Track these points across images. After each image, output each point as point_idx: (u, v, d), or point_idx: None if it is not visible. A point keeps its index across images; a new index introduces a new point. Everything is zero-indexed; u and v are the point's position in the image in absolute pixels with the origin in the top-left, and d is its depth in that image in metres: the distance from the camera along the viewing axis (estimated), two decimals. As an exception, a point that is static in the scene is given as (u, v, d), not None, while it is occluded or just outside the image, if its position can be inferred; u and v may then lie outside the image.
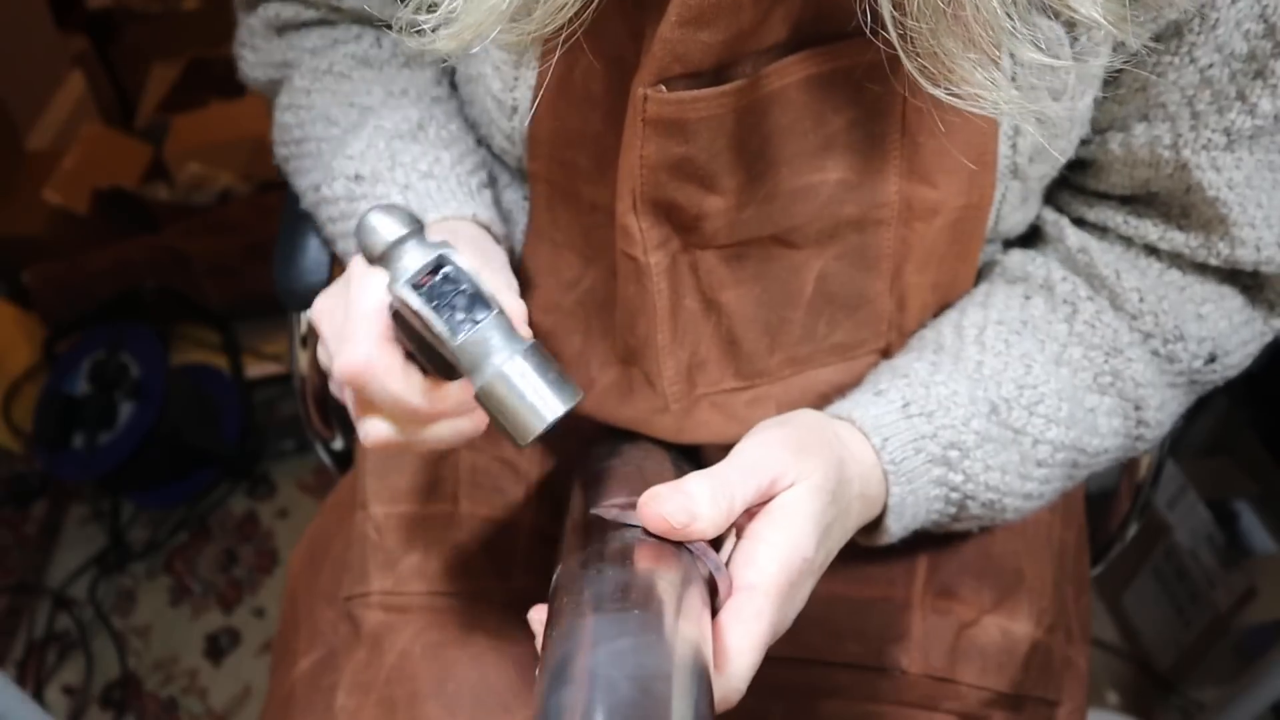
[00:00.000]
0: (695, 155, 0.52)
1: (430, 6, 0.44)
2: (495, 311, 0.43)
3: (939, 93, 0.42)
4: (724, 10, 0.46)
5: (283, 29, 0.69)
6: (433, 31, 0.44)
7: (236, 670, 1.50)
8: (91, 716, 1.47)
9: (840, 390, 0.62)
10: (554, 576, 0.46)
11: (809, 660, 0.65)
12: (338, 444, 0.91)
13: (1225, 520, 1.36)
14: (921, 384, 0.57)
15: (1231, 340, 0.60)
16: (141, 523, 1.68)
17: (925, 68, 0.41)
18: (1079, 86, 0.53)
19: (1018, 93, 0.42)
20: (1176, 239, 0.58)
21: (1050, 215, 0.64)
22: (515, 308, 0.48)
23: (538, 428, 0.43)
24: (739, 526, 0.48)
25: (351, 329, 0.46)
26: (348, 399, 0.49)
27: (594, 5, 0.43)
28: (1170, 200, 0.58)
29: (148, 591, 1.60)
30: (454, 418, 0.48)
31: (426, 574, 0.67)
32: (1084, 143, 0.59)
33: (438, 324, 0.43)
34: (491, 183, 0.66)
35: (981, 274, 0.65)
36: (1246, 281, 0.60)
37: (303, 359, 0.85)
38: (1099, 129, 0.58)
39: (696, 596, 0.42)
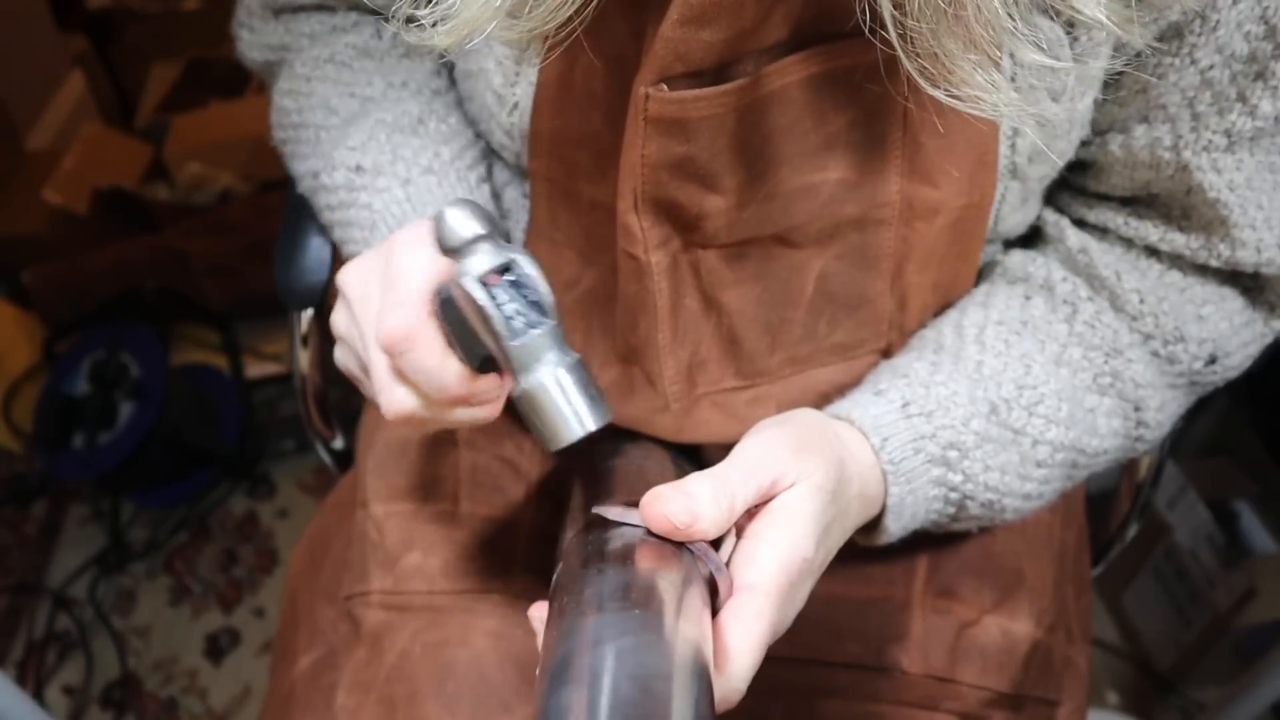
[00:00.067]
0: (696, 154, 0.52)
1: (428, 1, 0.44)
2: (553, 322, 0.45)
3: (939, 94, 0.42)
4: (725, 9, 0.46)
5: (279, 11, 0.69)
6: (431, 27, 0.44)
7: (236, 670, 1.50)
8: (91, 716, 1.47)
9: (841, 390, 0.62)
10: (554, 576, 0.46)
11: (809, 660, 0.65)
12: (338, 443, 0.91)
13: (1225, 520, 1.36)
14: (921, 384, 0.57)
15: (1232, 342, 0.60)
16: (141, 523, 1.68)
17: (925, 69, 0.41)
18: (1079, 88, 0.53)
19: (1018, 95, 0.42)
20: (1177, 240, 0.58)
21: (1051, 216, 0.64)
22: None
23: (570, 438, 0.45)
24: (739, 526, 0.48)
25: (398, 298, 0.47)
26: (377, 366, 0.50)
27: (594, 3, 0.43)
28: (1171, 202, 0.58)
29: (148, 591, 1.60)
30: (476, 406, 0.49)
31: (427, 573, 0.67)
32: (1084, 144, 0.59)
33: (498, 322, 0.44)
34: (489, 175, 0.66)
35: (982, 274, 0.65)
36: (1247, 283, 0.60)
37: (303, 358, 0.85)
38: (1099, 130, 0.58)
39: (697, 596, 0.42)
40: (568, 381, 0.44)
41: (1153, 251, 0.60)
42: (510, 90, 0.58)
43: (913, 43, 0.40)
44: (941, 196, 0.56)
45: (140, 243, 1.75)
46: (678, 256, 0.57)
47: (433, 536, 0.69)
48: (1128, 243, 0.61)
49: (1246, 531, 1.38)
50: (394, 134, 0.63)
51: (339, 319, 0.53)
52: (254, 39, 0.71)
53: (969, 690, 0.65)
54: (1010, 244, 0.66)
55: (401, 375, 0.49)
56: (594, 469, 0.59)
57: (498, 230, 0.46)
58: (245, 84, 2.03)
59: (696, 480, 0.45)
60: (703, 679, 0.38)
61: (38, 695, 1.47)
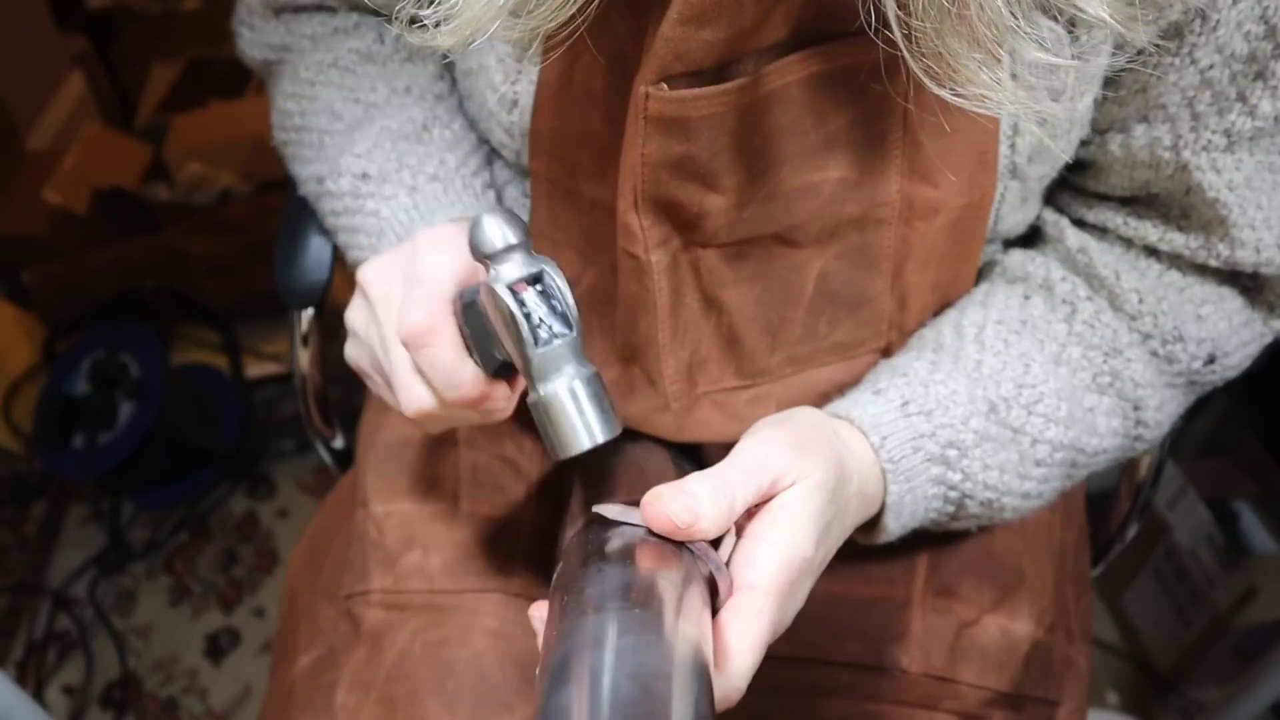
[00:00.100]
0: (696, 153, 0.52)
1: (431, 0, 0.44)
2: (575, 334, 0.46)
3: (944, 93, 0.42)
4: (725, 9, 0.46)
5: (280, 10, 0.69)
6: (434, 27, 0.44)
7: (236, 670, 1.50)
8: (91, 716, 1.47)
9: (841, 389, 0.62)
10: (554, 575, 0.46)
11: (809, 659, 0.65)
12: (338, 443, 0.91)
13: (1225, 520, 1.36)
14: (920, 383, 0.57)
15: (1231, 341, 0.60)
16: (141, 523, 1.68)
17: (930, 68, 0.41)
18: (1079, 86, 0.53)
19: (1024, 92, 0.42)
20: (1176, 240, 0.58)
21: (1050, 216, 0.64)
22: None
23: (579, 448, 0.46)
24: (739, 525, 0.48)
25: (422, 294, 0.49)
26: (398, 363, 0.51)
27: (596, 2, 0.43)
28: (1170, 201, 0.58)
29: (148, 591, 1.60)
30: (485, 406, 0.51)
31: (427, 572, 0.67)
32: (1084, 144, 0.59)
33: (524, 329, 0.45)
34: (494, 181, 0.67)
35: (982, 274, 0.65)
36: (1246, 283, 0.60)
37: (303, 358, 0.85)
38: (1099, 130, 0.58)
39: (697, 596, 0.42)
40: (583, 393, 0.45)
41: (1152, 251, 0.60)
42: (511, 89, 0.58)
43: (917, 42, 0.40)
44: (941, 196, 0.56)
45: (140, 243, 1.75)
46: (678, 256, 0.57)
47: (433, 536, 0.69)
48: (1127, 242, 0.61)
49: (1246, 531, 1.38)
50: (399, 141, 0.64)
51: (355, 315, 0.54)
52: (254, 37, 0.71)
53: (969, 690, 0.65)
54: (1010, 244, 0.66)
55: (417, 372, 0.50)
56: (594, 468, 0.59)
57: (530, 240, 0.47)
58: (245, 84, 2.04)
59: (697, 480, 0.45)
60: (703, 678, 0.38)
61: (38, 695, 1.47)
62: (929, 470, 0.55)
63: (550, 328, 0.46)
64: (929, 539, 0.66)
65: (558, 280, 0.46)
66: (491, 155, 0.68)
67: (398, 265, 0.52)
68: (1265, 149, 0.54)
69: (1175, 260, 0.60)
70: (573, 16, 0.43)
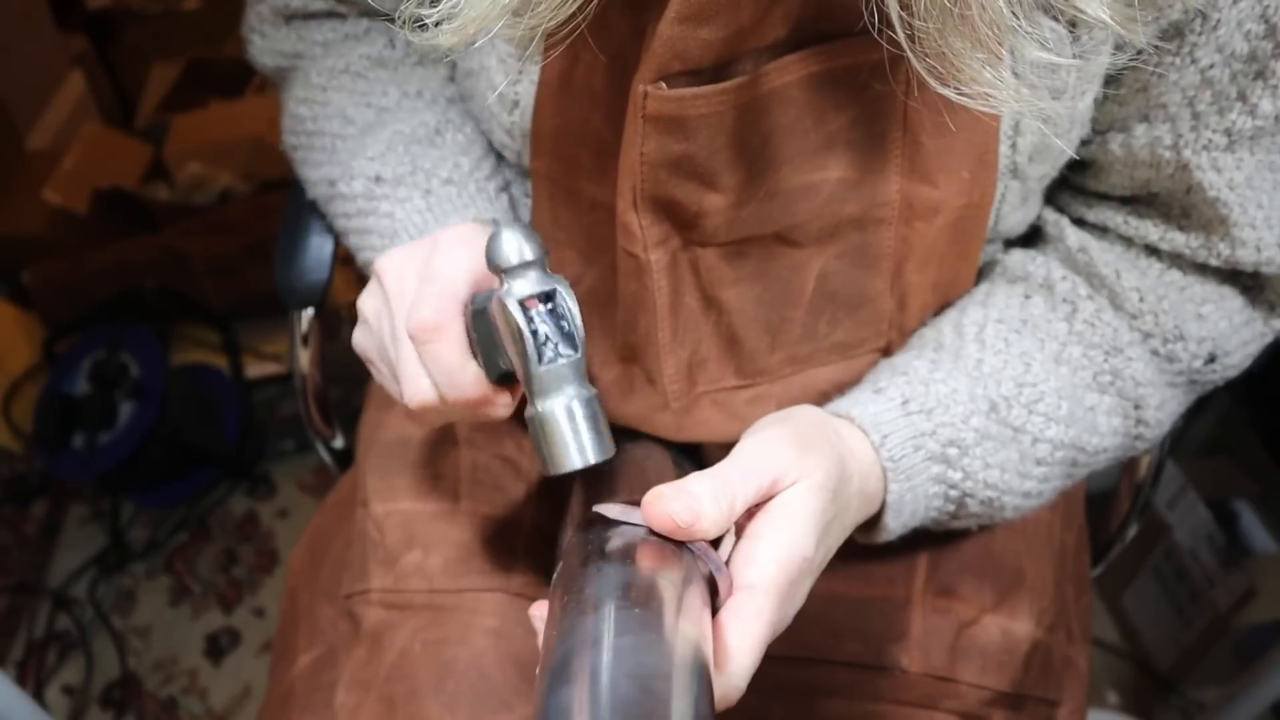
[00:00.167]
0: (695, 152, 0.52)
1: (433, 0, 0.44)
2: (579, 355, 0.47)
3: (948, 92, 0.42)
4: (723, 7, 0.46)
5: (290, 18, 0.69)
6: (435, 26, 0.44)
7: (236, 670, 1.50)
8: (91, 716, 1.47)
9: (841, 389, 0.62)
10: (554, 574, 0.46)
11: (809, 659, 0.65)
12: (338, 443, 0.91)
13: (1225, 520, 1.36)
14: (921, 381, 0.57)
15: (1231, 340, 0.60)
16: (141, 523, 1.68)
17: (933, 68, 0.41)
18: (1080, 86, 0.53)
19: (1027, 91, 0.42)
20: (1177, 239, 0.58)
21: (1050, 215, 0.64)
22: None
23: (569, 466, 0.47)
24: (739, 525, 0.48)
25: (434, 292, 0.49)
26: (405, 354, 0.51)
27: (595, 1, 0.43)
28: (1171, 201, 0.58)
29: (148, 591, 1.60)
30: (484, 410, 0.52)
31: (427, 572, 0.67)
32: (1084, 143, 0.59)
33: (530, 345, 0.46)
34: (507, 185, 0.67)
35: (982, 274, 0.65)
36: (1247, 282, 0.60)
37: (303, 358, 0.85)
38: (1099, 129, 0.58)
39: (697, 596, 0.42)
40: (580, 414, 0.46)
41: (1152, 250, 0.60)
42: (512, 89, 0.59)
43: (920, 42, 0.40)
44: (941, 196, 0.56)
45: (140, 243, 1.75)
46: (677, 255, 0.57)
47: (433, 535, 0.69)
48: (1127, 242, 0.61)
49: (1246, 531, 1.38)
50: (411, 145, 0.64)
51: (368, 302, 0.55)
52: (265, 45, 0.71)
53: (969, 690, 0.65)
54: (1010, 243, 0.66)
55: (421, 366, 0.51)
56: (594, 468, 0.60)
57: (547, 257, 0.48)
58: (245, 84, 2.03)
59: (697, 479, 0.45)
60: (702, 678, 0.38)
61: (38, 695, 1.47)
62: (929, 469, 0.55)
63: (556, 347, 0.46)
64: (929, 539, 0.66)
65: (569, 301, 0.47)
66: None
67: (415, 260, 0.53)
68: (1266, 148, 0.54)
69: (1176, 259, 0.60)
70: (573, 15, 0.43)
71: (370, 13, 0.68)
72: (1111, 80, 0.54)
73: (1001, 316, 0.60)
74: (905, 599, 0.67)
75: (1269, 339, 0.62)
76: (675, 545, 0.44)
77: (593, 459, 0.46)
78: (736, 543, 0.47)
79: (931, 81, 0.42)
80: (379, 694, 0.64)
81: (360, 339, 0.57)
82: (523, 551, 0.69)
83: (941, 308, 0.63)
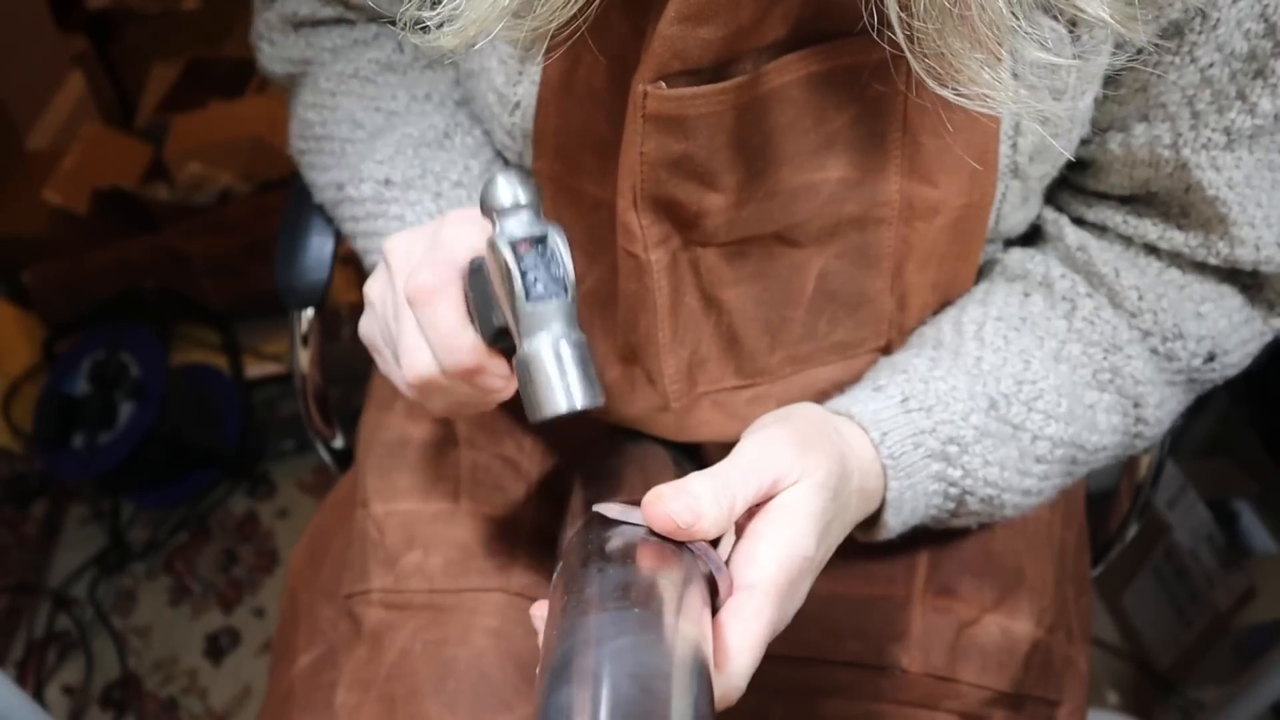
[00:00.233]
0: (695, 152, 0.52)
1: (434, 2, 0.44)
2: (569, 299, 0.46)
3: (947, 93, 0.42)
4: (723, 7, 0.46)
5: (299, 25, 0.70)
6: (437, 28, 0.44)
7: (236, 670, 1.50)
8: (91, 716, 1.47)
9: (841, 389, 0.62)
10: (554, 574, 0.46)
11: (809, 659, 0.65)
12: (338, 443, 0.91)
13: (1225, 520, 1.37)
14: (920, 379, 0.57)
15: (1231, 339, 0.60)
16: (141, 523, 1.68)
17: (932, 68, 0.41)
18: (1079, 85, 0.53)
19: (1027, 92, 0.42)
20: (1176, 238, 0.58)
21: (1050, 214, 0.64)
22: None
23: (555, 410, 0.45)
24: (739, 524, 0.48)
25: (433, 259, 0.49)
26: (406, 324, 0.51)
27: (597, 2, 0.43)
28: (1170, 200, 0.58)
29: (148, 591, 1.60)
30: (481, 381, 0.50)
31: (427, 572, 0.67)
32: (1084, 143, 0.59)
33: (517, 282, 0.45)
34: None
35: (982, 273, 0.65)
36: (1246, 281, 0.60)
37: (303, 358, 0.85)
38: (1099, 129, 0.58)
39: (697, 595, 0.42)
40: (568, 355, 0.45)
41: (1151, 249, 0.60)
42: (513, 90, 0.59)
43: (919, 43, 0.40)
44: (941, 196, 0.56)
45: (140, 243, 1.75)
46: (677, 255, 0.57)
47: (433, 535, 0.69)
48: (1126, 240, 0.61)
49: (1246, 531, 1.38)
50: (420, 148, 0.64)
51: (374, 285, 0.54)
52: (274, 52, 0.71)
53: (969, 689, 0.65)
54: (1010, 243, 0.66)
55: (420, 335, 0.50)
56: (594, 467, 0.60)
57: (541, 203, 0.47)
58: (245, 84, 2.03)
59: (698, 479, 0.45)
60: (702, 678, 0.38)
61: (38, 695, 1.47)
62: (929, 466, 0.56)
63: (545, 286, 0.45)
64: (929, 538, 0.66)
65: (561, 247, 0.46)
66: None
67: (422, 238, 0.52)
68: (1265, 147, 0.54)
69: (1175, 258, 0.60)
70: (574, 16, 0.43)
71: (378, 18, 0.69)
72: (1111, 80, 0.54)
73: (1001, 314, 0.60)
74: (905, 598, 0.67)
75: (1268, 338, 0.62)
76: (675, 545, 0.44)
77: (580, 404, 0.45)
78: (737, 542, 0.47)
79: (930, 82, 0.42)
80: (379, 694, 0.64)
81: (366, 325, 0.57)
82: (523, 552, 0.69)
83: (941, 307, 0.64)
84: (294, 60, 0.71)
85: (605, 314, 0.63)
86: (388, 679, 0.64)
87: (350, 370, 0.63)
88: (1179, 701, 1.38)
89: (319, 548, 0.77)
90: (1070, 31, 0.50)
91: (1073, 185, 0.63)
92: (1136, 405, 0.60)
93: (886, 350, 0.63)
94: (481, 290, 0.49)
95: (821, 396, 0.63)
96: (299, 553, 0.79)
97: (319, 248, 0.81)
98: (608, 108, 0.54)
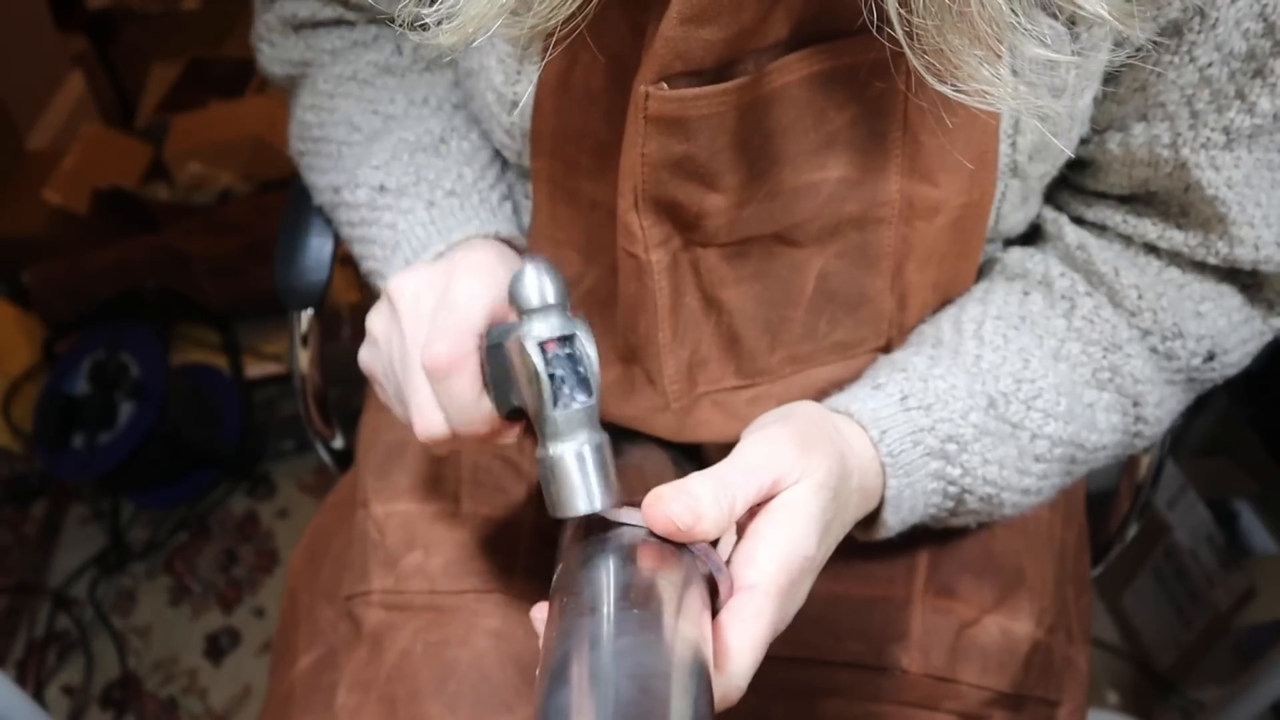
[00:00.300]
0: (696, 153, 0.52)
1: (432, 0, 0.44)
2: (594, 400, 0.47)
3: (946, 89, 0.42)
4: (726, 8, 0.46)
5: (299, 27, 0.70)
6: (435, 26, 0.44)
7: (236, 670, 1.50)
8: (91, 716, 1.47)
9: (841, 388, 0.62)
10: (554, 575, 0.46)
11: (809, 659, 0.65)
12: (338, 443, 0.91)
13: (1225, 520, 1.37)
14: (920, 377, 0.57)
15: (1230, 339, 0.60)
16: (141, 523, 1.68)
17: (931, 64, 0.41)
18: (1079, 84, 0.53)
19: (1025, 89, 0.42)
20: (1175, 238, 0.58)
21: (1049, 213, 0.64)
22: None
23: (575, 511, 0.47)
24: (740, 524, 0.48)
25: (453, 324, 0.50)
26: (418, 387, 0.52)
27: (595, 1, 0.43)
28: (1169, 199, 0.58)
29: (148, 591, 1.60)
30: (493, 442, 0.53)
31: (428, 573, 0.67)
32: (1083, 142, 0.59)
33: (546, 389, 0.46)
34: (511, 193, 0.68)
35: (982, 272, 0.65)
36: (1245, 280, 0.60)
37: (303, 358, 0.85)
38: (1098, 128, 0.58)
39: (697, 596, 0.42)
40: (590, 460, 0.46)
41: (1151, 248, 0.60)
42: (511, 89, 0.59)
43: (919, 39, 0.40)
44: (942, 195, 0.56)
45: (140, 243, 1.75)
46: (678, 255, 0.57)
47: (434, 536, 0.69)
48: (1126, 240, 0.61)
49: (1246, 531, 1.38)
50: (416, 154, 0.64)
51: (377, 321, 0.55)
52: (274, 54, 0.71)
53: (969, 690, 0.65)
54: (1010, 242, 0.66)
55: (434, 398, 0.51)
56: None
57: (569, 298, 0.48)
58: (245, 84, 2.04)
59: (698, 480, 0.45)
60: (702, 678, 0.38)
61: (38, 695, 1.48)
62: (928, 465, 0.56)
63: (572, 391, 0.46)
64: (929, 538, 0.66)
65: (587, 346, 0.47)
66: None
67: (434, 286, 0.53)
68: (1264, 146, 0.54)
69: (1174, 257, 0.60)
70: (572, 15, 0.43)
71: (378, 18, 0.68)
72: (1110, 79, 0.54)
73: (1000, 313, 0.60)
74: (905, 599, 0.67)
75: (1268, 337, 0.62)
76: (675, 546, 0.44)
77: (599, 506, 0.46)
78: (737, 542, 0.47)
79: (929, 78, 0.42)
80: (380, 695, 0.64)
81: (367, 358, 0.58)
82: (523, 553, 0.69)
83: (942, 307, 0.64)
84: (294, 62, 0.71)
85: (605, 313, 0.63)
86: (388, 680, 0.64)
87: (350, 370, 0.63)
88: (1179, 701, 1.38)
89: (319, 548, 0.77)
90: (1069, 29, 0.50)
91: (1072, 185, 0.63)
92: (1136, 404, 0.60)
93: (887, 350, 0.63)
94: (500, 367, 0.49)
95: (821, 396, 0.63)
96: (299, 553, 0.79)
97: (319, 248, 0.81)
98: (605, 108, 0.54)
